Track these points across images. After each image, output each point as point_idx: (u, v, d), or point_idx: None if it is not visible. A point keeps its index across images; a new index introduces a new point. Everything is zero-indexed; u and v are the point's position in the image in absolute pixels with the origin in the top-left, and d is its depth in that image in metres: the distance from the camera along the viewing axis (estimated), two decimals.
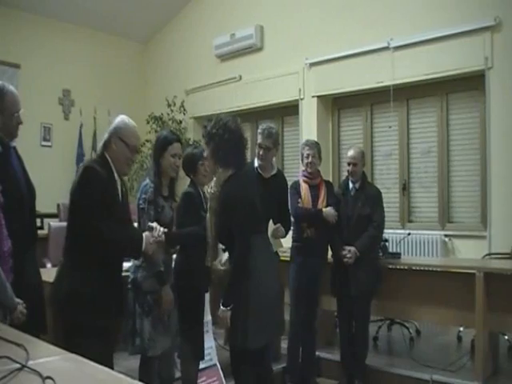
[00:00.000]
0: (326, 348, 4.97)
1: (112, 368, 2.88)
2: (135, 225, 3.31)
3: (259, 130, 4.15)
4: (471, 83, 6.31)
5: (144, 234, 2.95)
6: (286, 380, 4.50)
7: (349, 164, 4.53)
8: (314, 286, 4.39)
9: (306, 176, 4.50)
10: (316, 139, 4.98)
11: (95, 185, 2.81)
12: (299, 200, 4.38)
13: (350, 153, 4.56)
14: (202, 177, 3.67)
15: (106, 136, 2.98)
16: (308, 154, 4.45)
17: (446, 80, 6.42)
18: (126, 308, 3.18)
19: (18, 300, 2.47)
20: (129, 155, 2.95)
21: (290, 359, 4.50)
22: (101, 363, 1.69)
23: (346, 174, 4.77)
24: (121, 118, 3.02)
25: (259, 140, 4.12)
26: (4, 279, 2.41)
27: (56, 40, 8.65)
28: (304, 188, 4.46)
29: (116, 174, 2.95)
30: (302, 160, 4.53)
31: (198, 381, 3.80)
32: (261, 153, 4.11)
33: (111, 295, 2.89)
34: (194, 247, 3.50)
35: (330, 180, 6.57)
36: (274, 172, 4.19)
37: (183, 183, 3.79)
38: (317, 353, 4.69)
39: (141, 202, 3.30)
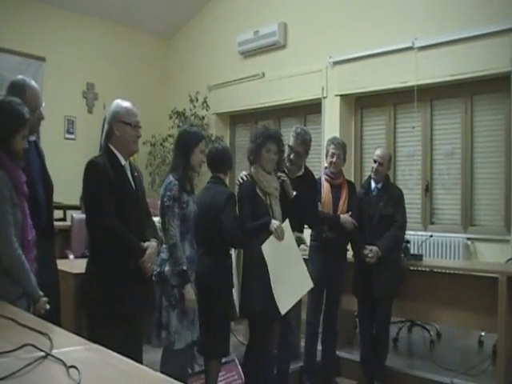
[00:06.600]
0: (345, 348, 4.95)
1: (141, 360, 2.90)
2: (155, 219, 3.33)
3: (293, 133, 4.07)
4: (496, 85, 6.20)
5: (148, 251, 2.95)
6: (304, 379, 4.49)
7: (374, 161, 4.47)
8: (334, 285, 4.36)
9: (327, 175, 4.46)
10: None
11: (95, 178, 2.86)
12: (319, 204, 4.34)
13: (378, 151, 4.52)
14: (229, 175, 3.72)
15: (106, 127, 3.03)
16: (333, 154, 4.39)
17: (471, 81, 6.32)
18: (151, 299, 3.20)
19: (41, 293, 2.48)
20: (133, 133, 3.00)
21: (307, 359, 4.49)
22: (127, 355, 1.68)
23: (368, 173, 4.72)
24: (115, 103, 3.07)
25: (291, 142, 4.06)
26: (28, 268, 2.43)
27: (81, 34, 8.69)
28: (326, 188, 4.41)
29: (123, 160, 2.97)
30: (326, 157, 4.48)
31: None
32: (291, 156, 4.07)
33: (134, 287, 2.91)
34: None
35: (352, 179, 6.54)
36: (301, 173, 4.15)
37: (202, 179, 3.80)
38: (337, 352, 4.68)
39: (165, 199, 3.28)
